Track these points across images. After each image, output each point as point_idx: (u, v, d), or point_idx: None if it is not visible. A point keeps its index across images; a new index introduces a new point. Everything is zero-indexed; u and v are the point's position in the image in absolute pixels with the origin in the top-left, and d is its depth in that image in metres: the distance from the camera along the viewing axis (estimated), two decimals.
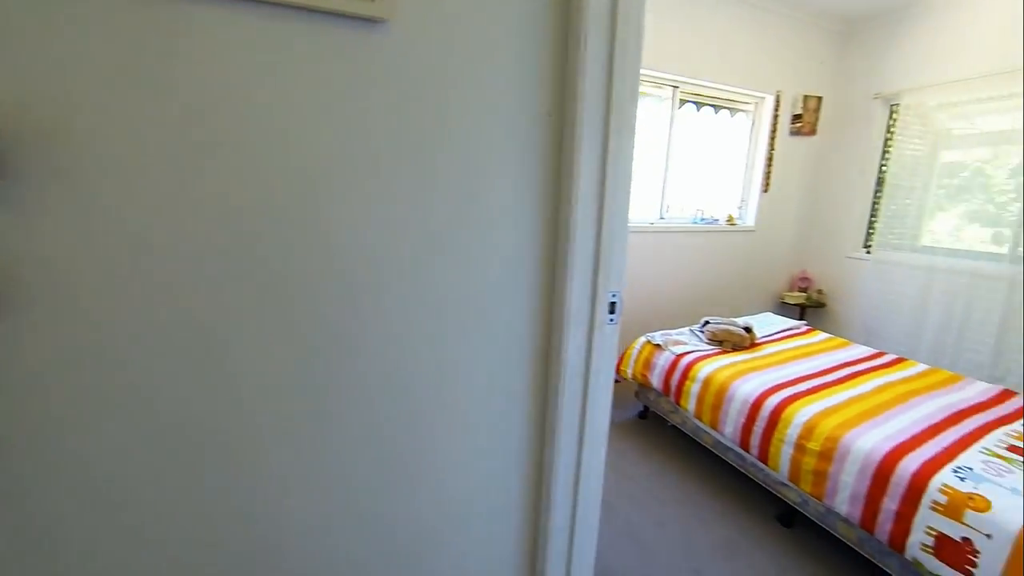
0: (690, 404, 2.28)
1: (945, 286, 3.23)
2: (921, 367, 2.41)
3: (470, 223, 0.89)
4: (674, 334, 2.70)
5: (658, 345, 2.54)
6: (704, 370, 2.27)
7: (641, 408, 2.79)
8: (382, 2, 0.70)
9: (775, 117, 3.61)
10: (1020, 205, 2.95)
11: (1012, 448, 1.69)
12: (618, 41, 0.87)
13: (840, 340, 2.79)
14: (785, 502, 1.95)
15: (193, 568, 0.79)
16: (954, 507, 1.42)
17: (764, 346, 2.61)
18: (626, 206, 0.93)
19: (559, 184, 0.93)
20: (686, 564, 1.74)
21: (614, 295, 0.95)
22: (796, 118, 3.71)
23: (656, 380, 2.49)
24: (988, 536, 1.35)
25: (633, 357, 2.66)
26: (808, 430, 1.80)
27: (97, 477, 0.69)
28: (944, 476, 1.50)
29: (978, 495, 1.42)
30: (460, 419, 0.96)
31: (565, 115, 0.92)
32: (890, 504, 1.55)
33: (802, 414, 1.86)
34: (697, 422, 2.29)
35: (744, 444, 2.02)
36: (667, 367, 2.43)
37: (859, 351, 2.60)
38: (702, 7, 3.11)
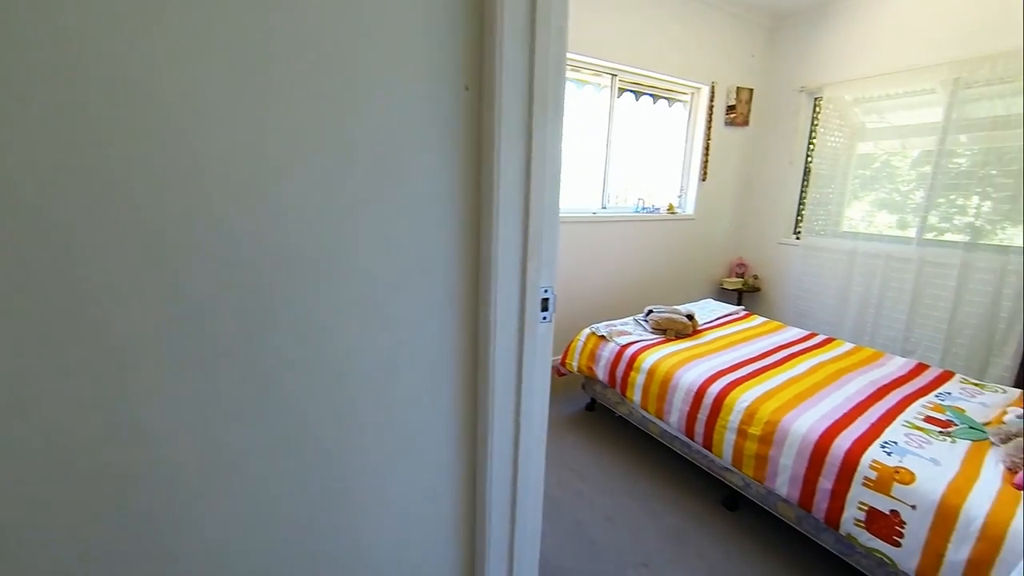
0: (636, 395, 2.27)
1: (864, 268, 3.44)
2: (848, 346, 2.53)
3: (380, 212, 0.78)
4: (618, 324, 2.69)
5: (603, 336, 2.52)
6: (648, 360, 2.27)
7: (588, 400, 2.77)
8: None
9: (710, 108, 3.69)
10: (921, 193, 3.19)
11: (929, 419, 1.79)
12: (539, 10, 0.78)
13: (775, 323, 2.89)
14: (729, 486, 1.98)
15: None
16: (883, 481, 1.47)
17: (706, 332, 2.65)
18: (556, 191, 0.85)
19: (480, 167, 0.84)
20: (635, 558, 1.71)
21: (546, 290, 0.87)
22: (730, 109, 3.81)
23: (602, 372, 2.46)
24: (913, 507, 1.41)
25: (578, 349, 2.62)
26: (749, 415, 1.82)
27: None
28: (873, 452, 1.55)
29: (904, 468, 1.48)
30: (373, 433, 0.85)
31: (483, 89, 0.82)
32: (825, 483, 1.58)
33: (743, 400, 1.88)
34: (643, 412, 2.28)
35: (689, 432, 2.03)
36: (612, 359, 2.41)
37: (792, 333, 2.70)
38: None
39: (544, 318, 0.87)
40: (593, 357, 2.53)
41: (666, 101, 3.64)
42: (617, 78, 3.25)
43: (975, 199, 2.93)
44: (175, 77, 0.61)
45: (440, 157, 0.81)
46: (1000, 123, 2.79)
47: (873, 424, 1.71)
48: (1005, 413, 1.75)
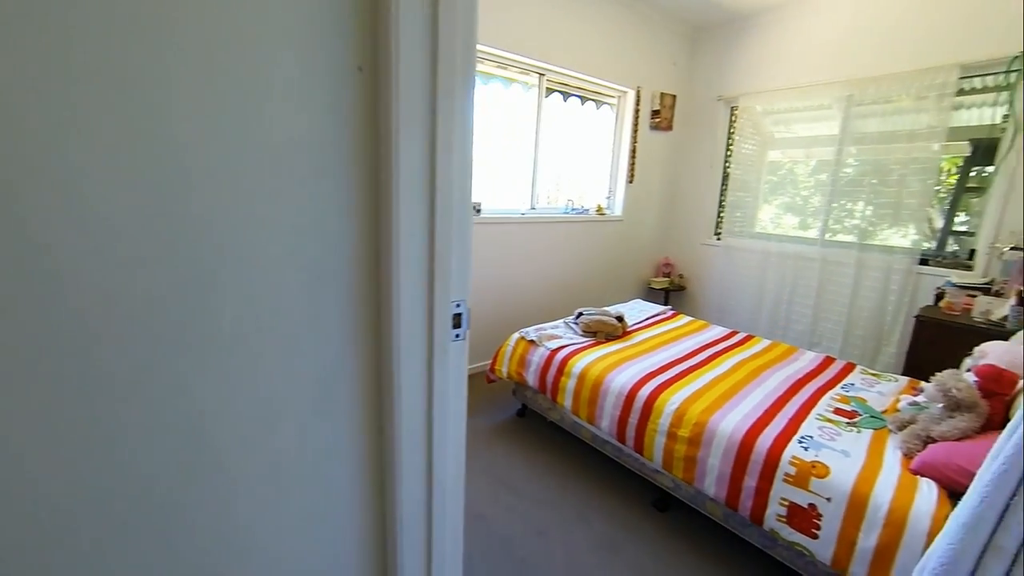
0: (567, 400, 2.22)
1: (777, 267, 3.68)
2: (765, 342, 2.66)
3: (251, 224, 0.63)
4: (548, 328, 2.64)
5: (532, 341, 2.46)
6: (579, 364, 2.23)
7: (519, 406, 2.70)
8: None
9: (636, 111, 3.77)
10: (818, 198, 3.50)
11: (837, 411, 1.88)
12: None
13: (701, 322, 2.98)
14: (659, 488, 1.98)
15: None
16: (802, 476, 1.51)
17: (635, 333, 2.67)
18: (467, 188, 0.74)
19: (377, 165, 0.71)
20: (567, 571, 1.65)
21: (459, 304, 0.76)
22: (655, 113, 3.91)
23: (532, 378, 2.40)
24: (828, 499, 1.45)
25: (507, 355, 2.54)
26: (679, 418, 1.82)
27: None
28: (792, 448, 1.59)
29: (819, 462, 1.53)
30: (266, 485, 0.70)
31: (379, 70, 0.69)
32: (750, 481, 1.61)
33: (672, 403, 1.88)
34: (575, 418, 2.24)
35: (621, 437, 2.00)
36: (542, 364, 2.35)
37: (716, 332, 2.80)
38: None
39: (457, 336, 0.76)
40: (523, 363, 2.45)
41: (594, 103, 3.66)
42: (545, 78, 3.21)
43: (860, 204, 3.25)
44: None
45: (325, 157, 0.67)
46: (881, 138, 3.11)
47: (791, 419, 1.78)
48: (898, 401, 1.89)
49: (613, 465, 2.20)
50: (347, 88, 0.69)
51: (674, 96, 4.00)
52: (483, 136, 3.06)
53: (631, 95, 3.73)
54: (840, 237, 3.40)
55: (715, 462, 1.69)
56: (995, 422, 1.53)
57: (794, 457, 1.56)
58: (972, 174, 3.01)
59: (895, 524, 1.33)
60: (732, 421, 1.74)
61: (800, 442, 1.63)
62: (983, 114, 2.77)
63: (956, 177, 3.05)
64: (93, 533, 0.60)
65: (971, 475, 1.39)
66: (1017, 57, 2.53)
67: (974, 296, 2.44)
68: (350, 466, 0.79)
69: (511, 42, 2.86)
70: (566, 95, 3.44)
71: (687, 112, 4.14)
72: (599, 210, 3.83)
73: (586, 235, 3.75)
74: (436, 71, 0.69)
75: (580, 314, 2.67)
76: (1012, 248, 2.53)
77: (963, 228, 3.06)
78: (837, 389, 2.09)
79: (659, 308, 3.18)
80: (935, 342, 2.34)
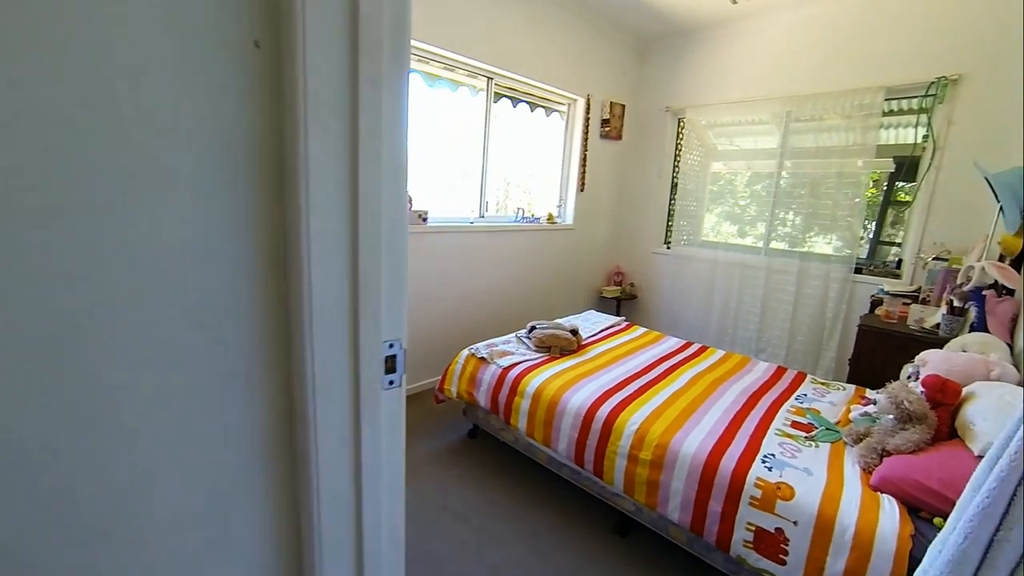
0: (521, 422, 2.08)
1: (724, 276, 3.74)
2: (719, 353, 2.65)
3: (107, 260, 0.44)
4: (500, 343, 2.50)
5: (483, 358, 2.30)
6: (533, 383, 2.10)
7: (471, 427, 2.53)
8: None
9: (587, 120, 3.73)
10: (753, 208, 3.63)
11: (794, 424, 1.86)
12: None
13: (655, 334, 2.94)
14: (620, 512, 1.88)
15: None
16: (767, 500, 1.45)
17: (590, 347, 2.58)
18: (401, 202, 0.58)
19: (283, 168, 0.54)
20: None
21: (392, 345, 0.59)
22: (605, 122, 3.89)
23: (483, 398, 2.24)
24: (795, 523, 1.40)
25: (457, 373, 2.37)
26: (639, 439, 1.73)
27: None
28: (756, 469, 1.53)
29: (784, 483, 1.47)
30: None
31: (282, 47, 0.52)
32: (715, 505, 1.53)
33: (632, 423, 1.78)
34: (530, 440, 2.10)
35: (579, 460, 1.89)
36: (493, 383, 2.20)
37: (671, 343, 2.76)
38: None
39: (391, 383, 0.60)
40: (473, 381, 2.29)
41: (543, 110, 3.58)
42: (493, 82, 3.09)
43: (791, 214, 3.38)
44: None
45: (208, 160, 0.50)
46: (815, 152, 3.27)
47: (751, 436, 1.73)
48: (849, 411, 1.90)
49: (571, 488, 2.08)
50: (239, 68, 0.52)
51: (623, 106, 4.01)
52: (430, 141, 2.89)
53: (581, 103, 3.69)
54: (776, 245, 3.52)
55: (679, 485, 1.61)
56: (942, 432, 1.54)
57: (759, 479, 1.50)
58: (898, 187, 3.18)
59: (862, 547, 1.29)
60: (695, 442, 1.67)
61: (763, 462, 1.57)
62: (907, 134, 2.94)
63: (874, 191, 3.24)
64: None
65: (929, 490, 1.39)
66: (933, 83, 2.71)
67: (908, 304, 2.54)
68: (259, 549, 0.61)
69: (459, 43, 2.71)
70: (515, 101, 3.34)
71: (636, 122, 4.16)
72: (550, 218, 3.74)
73: (537, 244, 3.65)
74: (357, 53, 0.53)
75: (533, 328, 2.54)
76: (935, 258, 2.67)
77: (889, 239, 3.24)
78: (792, 401, 2.08)
79: (613, 319, 3.12)
80: (876, 349, 2.41)
